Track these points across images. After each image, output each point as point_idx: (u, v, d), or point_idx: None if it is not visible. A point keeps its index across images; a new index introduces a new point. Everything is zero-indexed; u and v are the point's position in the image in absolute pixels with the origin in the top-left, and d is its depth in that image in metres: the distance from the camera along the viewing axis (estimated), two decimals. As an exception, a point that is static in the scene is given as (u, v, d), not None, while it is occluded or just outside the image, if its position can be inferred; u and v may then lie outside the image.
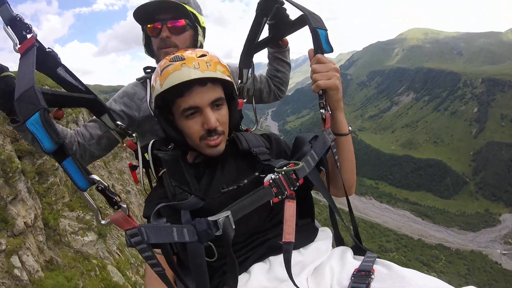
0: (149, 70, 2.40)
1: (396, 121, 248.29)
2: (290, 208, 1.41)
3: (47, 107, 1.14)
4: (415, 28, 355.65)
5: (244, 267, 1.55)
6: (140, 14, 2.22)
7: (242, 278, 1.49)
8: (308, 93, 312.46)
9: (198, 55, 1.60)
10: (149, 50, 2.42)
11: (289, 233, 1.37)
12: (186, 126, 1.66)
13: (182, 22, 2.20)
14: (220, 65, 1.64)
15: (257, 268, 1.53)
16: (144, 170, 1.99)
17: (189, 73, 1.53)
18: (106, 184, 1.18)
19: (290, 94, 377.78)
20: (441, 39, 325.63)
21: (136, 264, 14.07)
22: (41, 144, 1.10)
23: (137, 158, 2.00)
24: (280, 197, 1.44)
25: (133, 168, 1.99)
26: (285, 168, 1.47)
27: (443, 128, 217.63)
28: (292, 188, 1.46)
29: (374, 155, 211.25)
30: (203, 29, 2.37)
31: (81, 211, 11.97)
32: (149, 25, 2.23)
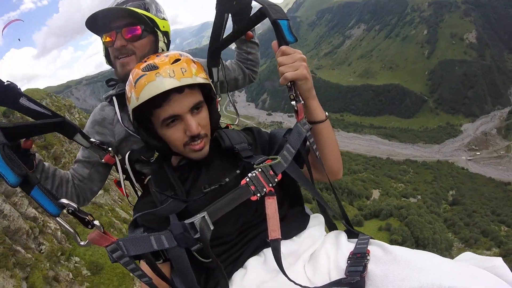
0: (113, 82, 2.27)
1: (351, 54, 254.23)
2: (271, 205, 1.41)
3: (7, 142, 1.12)
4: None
5: (240, 263, 1.54)
6: (92, 24, 2.05)
7: (238, 274, 1.50)
8: (261, 43, 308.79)
9: (172, 61, 1.54)
10: (109, 60, 2.23)
11: (274, 230, 1.37)
12: (168, 135, 1.62)
13: (138, 28, 2.03)
14: (195, 68, 1.58)
15: (253, 262, 1.52)
16: (129, 182, 2.00)
17: (165, 83, 1.46)
18: (76, 206, 1.17)
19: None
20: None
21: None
22: (5, 180, 1.08)
23: (117, 171, 1.99)
24: (259, 194, 1.43)
25: (118, 184, 2.01)
26: (261, 164, 1.46)
27: (396, 53, 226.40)
28: (270, 185, 1.45)
29: (334, 90, 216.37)
30: (165, 33, 2.19)
31: None
32: (104, 35, 2.08)
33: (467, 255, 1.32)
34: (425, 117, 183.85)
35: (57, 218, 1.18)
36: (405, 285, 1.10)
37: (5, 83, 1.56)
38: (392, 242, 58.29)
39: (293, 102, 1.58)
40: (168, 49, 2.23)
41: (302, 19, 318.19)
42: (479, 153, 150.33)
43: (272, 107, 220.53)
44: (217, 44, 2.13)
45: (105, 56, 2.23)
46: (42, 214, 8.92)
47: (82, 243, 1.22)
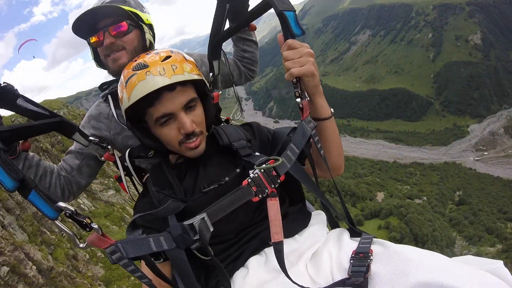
0: (105, 86, 2.27)
1: (357, 60, 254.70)
2: (274, 207, 1.37)
3: (3, 146, 1.11)
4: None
5: (241, 262, 1.52)
6: (79, 28, 2.06)
7: (240, 273, 1.48)
8: (268, 51, 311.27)
9: (162, 58, 1.51)
10: (99, 62, 2.26)
11: (276, 232, 1.33)
12: (163, 134, 1.60)
13: (124, 24, 2.05)
14: (187, 64, 1.55)
15: (254, 262, 1.49)
16: (129, 178, 1.97)
17: (155, 81, 1.44)
18: (73, 209, 1.16)
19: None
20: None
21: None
22: (3, 185, 1.07)
23: (118, 169, 1.97)
24: (260, 195, 1.40)
25: (119, 180, 1.98)
26: (264, 165, 1.42)
27: (402, 58, 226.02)
28: (273, 186, 1.41)
29: (341, 96, 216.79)
30: (149, 26, 2.21)
31: (101, 178, 16.60)
32: (91, 37, 2.08)
33: (469, 258, 1.30)
34: (432, 120, 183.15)
35: (56, 222, 1.17)
36: (406, 282, 1.10)
37: (2, 85, 1.54)
38: (390, 239, 59.10)
39: (298, 100, 1.51)
40: (154, 41, 2.26)
41: (308, 27, 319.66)
42: (486, 153, 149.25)
43: (279, 115, 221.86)
44: (218, 36, 2.06)
45: (94, 59, 2.26)
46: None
47: (81, 245, 1.22)
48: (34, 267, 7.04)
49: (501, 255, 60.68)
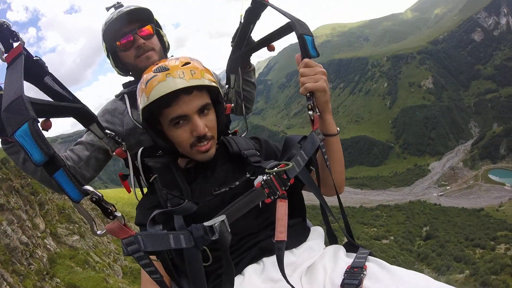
0: (126, 83, 2.40)
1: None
2: (282, 207, 1.43)
3: (36, 117, 1.08)
4: (323, 25, 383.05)
5: (238, 269, 1.54)
6: (110, 33, 2.19)
7: (236, 280, 1.47)
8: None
9: (182, 64, 1.59)
10: (122, 68, 2.37)
11: (281, 231, 1.38)
12: (176, 135, 1.66)
13: (150, 27, 2.22)
14: (205, 72, 1.64)
15: (251, 270, 1.52)
16: (135, 178, 2.00)
17: (175, 83, 1.52)
18: (100, 194, 1.14)
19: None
20: (347, 30, 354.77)
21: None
22: (30, 156, 1.03)
23: (127, 166, 2.00)
24: (272, 197, 1.45)
25: (123, 177, 1.99)
26: (276, 169, 1.46)
27: (361, 107, 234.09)
28: (283, 188, 1.46)
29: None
30: (161, 28, 2.41)
31: (66, 223, 17.79)
32: (119, 42, 2.19)
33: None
34: (394, 163, 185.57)
35: (78, 204, 1.14)
36: None
37: (34, 58, 1.54)
38: None
39: (310, 112, 1.61)
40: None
41: (272, 82, 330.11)
42: (449, 187, 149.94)
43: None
44: (239, 52, 2.22)
45: (115, 67, 2.36)
46: (30, 239, 12.44)
47: (98, 232, 1.21)
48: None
49: (469, 279, 60.38)
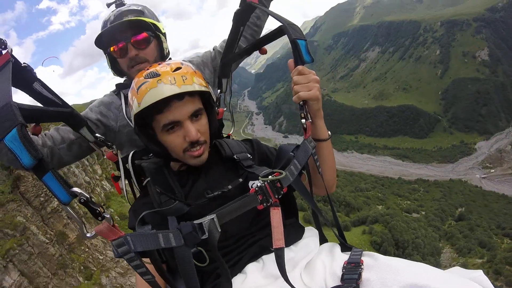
0: (121, 84, 2.36)
1: (366, 77, 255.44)
2: (276, 215, 1.43)
3: (25, 122, 1.12)
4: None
5: (239, 267, 1.57)
6: (102, 40, 2.16)
7: (238, 279, 1.52)
8: (279, 67, 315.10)
9: (173, 69, 1.58)
10: (117, 71, 2.34)
11: (278, 239, 1.39)
12: (168, 141, 1.67)
13: (145, 35, 2.14)
14: (196, 76, 1.63)
15: (252, 267, 1.55)
16: (127, 180, 2.00)
17: (166, 89, 1.51)
18: (88, 196, 1.16)
19: (262, 71, 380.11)
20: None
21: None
22: (20, 161, 1.08)
23: (118, 169, 2.00)
24: (265, 204, 1.46)
25: (115, 179, 2.01)
26: (270, 177, 1.48)
27: (410, 74, 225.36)
28: (276, 196, 1.47)
29: (349, 112, 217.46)
30: (164, 34, 2.32)
31: None
32: (112, 48, 2.15)
33: (454, 269, 1.37)
34: (439, 137, 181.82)
35: (67, 207, 1.18)
36: (393, 284, 1.17)
37: (22, 65, 1.55)
38: (372, 243, 61.74)
39: (303, 120, 1.63)
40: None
41: (319, 43, 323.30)
42: (493, 171, 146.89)
43: (288, 130, 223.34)
44: (230, 56, 2.20)
45: (111, 68, 2.32)
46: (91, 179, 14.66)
47: (88, 234, 1.23)
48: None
49: (485, 265, 61.22)
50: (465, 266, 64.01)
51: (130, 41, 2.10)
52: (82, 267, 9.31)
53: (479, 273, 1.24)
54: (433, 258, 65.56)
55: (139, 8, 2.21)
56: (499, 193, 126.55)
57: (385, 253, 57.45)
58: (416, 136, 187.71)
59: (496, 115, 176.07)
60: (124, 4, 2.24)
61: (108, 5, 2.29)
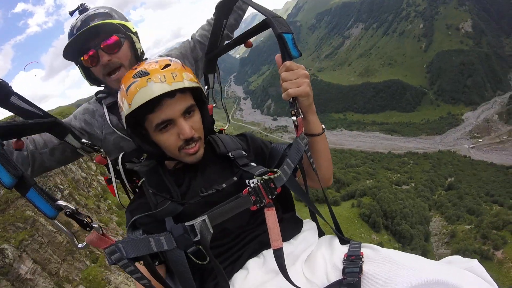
0: (102, 95, 2.24)
1: (351, 54, 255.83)
2: (271, 216, 1.41)
3: (1, 140, 1.10)
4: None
5: (240, 264, 1.56)
6: (70, 51, 2.02)
7: (240, 275, 1.52)
8: (263, 50, 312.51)
9: (162, 66, 1.55)
10: (93, 80, 2.21)
11: (276, 239, 1.37)
12: (162, 140, 1.63)
13: (115, 38, 2.02)
14: (186, 72, 1.60)
15: (253, 263, 1.54)
16: (120, 182, 1.98)
17: (156, 88, 1.47)
18: (74, 208, 1.14)
19: (246, 55, 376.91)
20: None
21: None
22: (1, 181, 1.05)
23: (109, 172, 1.97)
24: (258, 205, 1.44)
25: (109, 181, 1.98)
26: (263, 177, 1.46)
27: (394, 49, 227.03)
28: (270, 197, 1.45)
29: (336, 90, 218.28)
30: (136, 34, 2.20)
31: None
32: (83, 57, 2.02)
33: (447, 258, 1.39)
34: (426, 110, 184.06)
35: (54, 221, 1.15)
36: (398, 282, 1.17)
37: None
38: (361, 215, 62.11)
39: (294, 118, 1.58)
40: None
41: (302, 23, 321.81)
42: (481, 140, 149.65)
43: (277, 112, 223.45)
44: (215, 50, 2.13)
45: (86, 78, 2.19)
46: (87, 175, 14.57)
47: (79, 245, 1.21)
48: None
49: (472, 231, 63.51)
50: (454, 232, 66.83)
51: (100, 47, 1.98)
52: (88, 252, 9.67)
53: (474, 262, 1.27)
54: (421, 226, 67.08)
55: (106, 11, 2.08)
56: (488, 162, 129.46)
57: (374, 224, 59.65)
58: (404, 110, 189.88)
59: (481, 86, 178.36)
60: (87, 9, 2.09)
61: (71, 13, 2.12)
